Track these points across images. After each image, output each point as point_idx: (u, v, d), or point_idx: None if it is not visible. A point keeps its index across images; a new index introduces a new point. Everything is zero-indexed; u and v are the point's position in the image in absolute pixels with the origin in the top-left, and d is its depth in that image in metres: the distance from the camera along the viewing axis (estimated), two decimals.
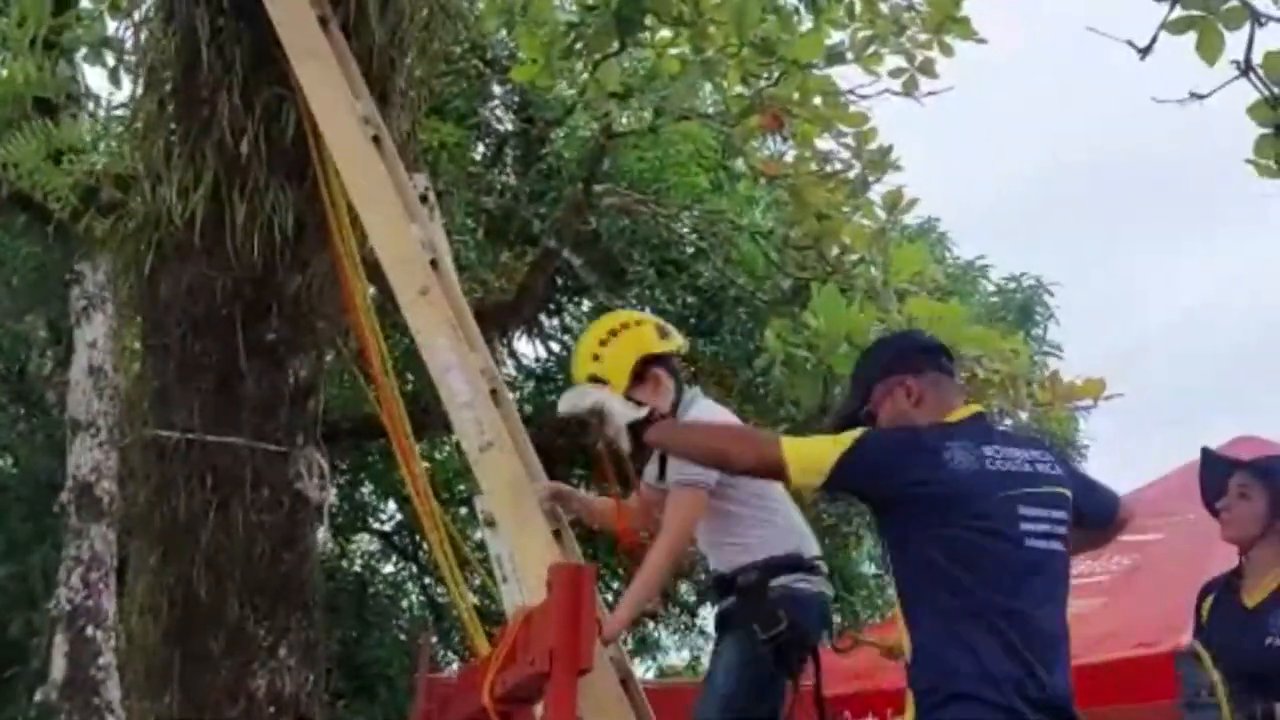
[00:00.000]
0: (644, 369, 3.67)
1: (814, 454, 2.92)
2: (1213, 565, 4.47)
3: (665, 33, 7.08)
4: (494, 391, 3.88)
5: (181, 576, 4.55)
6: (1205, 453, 4.08)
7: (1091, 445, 11.65)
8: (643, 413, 3.40)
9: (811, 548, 3.76)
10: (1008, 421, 7.13)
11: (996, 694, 2.72)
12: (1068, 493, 2.97)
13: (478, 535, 5.87)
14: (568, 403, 3.54)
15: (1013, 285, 12.04)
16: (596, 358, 3.71)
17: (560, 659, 2.86)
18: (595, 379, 3.68)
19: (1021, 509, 2.85)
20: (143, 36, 5.11)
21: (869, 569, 12.61)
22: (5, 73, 6.70)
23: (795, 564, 3.64)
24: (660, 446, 3.37)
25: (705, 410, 3.78)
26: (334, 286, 4.72)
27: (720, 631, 3.81)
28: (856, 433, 2.94)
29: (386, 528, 14.26)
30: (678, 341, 3.85)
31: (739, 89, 7.51)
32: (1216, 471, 3.99)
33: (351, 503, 13.30)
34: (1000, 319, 10.63)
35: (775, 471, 2.98)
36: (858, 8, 6.87)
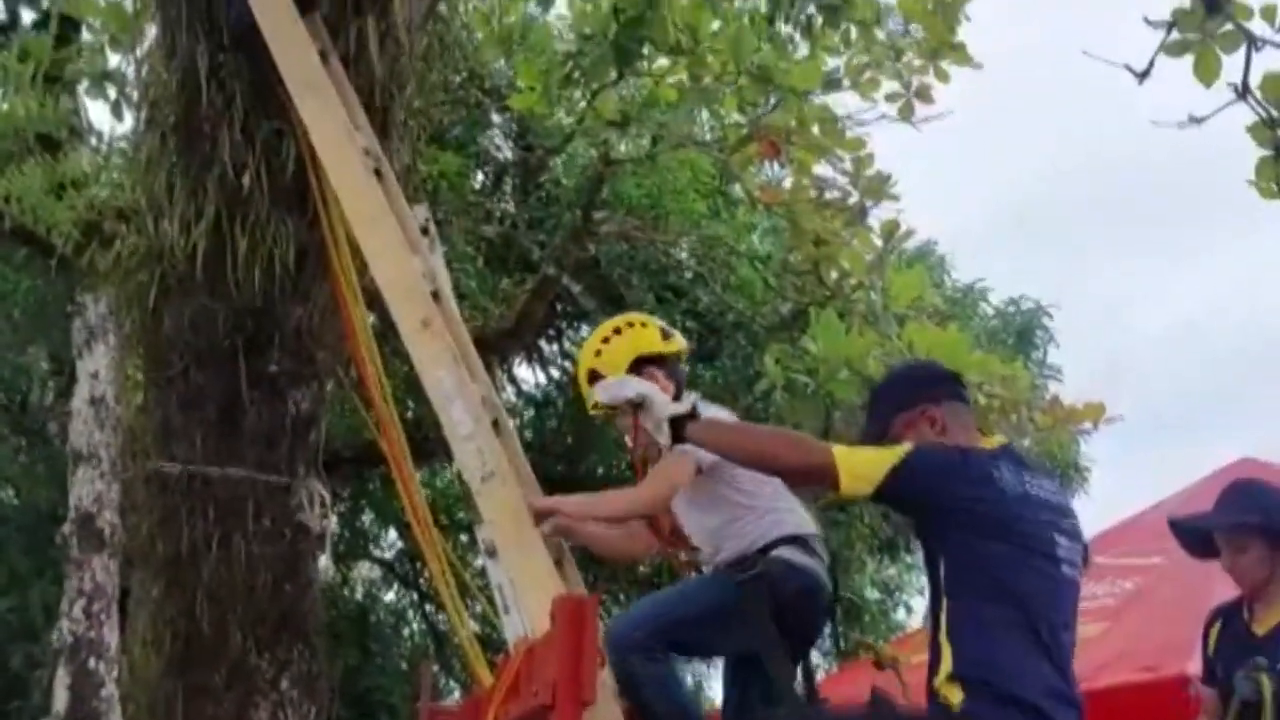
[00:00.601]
0: (640, 368, 3.68)
1: (865, 463, 2.94)
2: (1216, 588, 4.48)
3: (663, 61, 7.12)
4: (495, 422, 3.89)
5: (184, 609, 4.56)
6: (1173, 526, 4.08)
7: (1093, 467, 11.65)
8: (686, 407, 3.30)
9: (808, 528, 3.72)
10: None
11: (1043, 700, 2.80)
12: (1081, 530, 3.07)
13: (479, 563, 5.86)
14: (608, 391, 3.45)
15: (1012, 308, 12.08)
16: (598, 353, 3.77)
17: (563, 691, 2.86)
18: (595, 374, 3.72)
19: (1056, 535, 2.95)
20: (144, 72, 5.14)
21: (873, 594, 12.58)
22: (6, 107, 6.73)
23: (789, 540, 3.62)
24: (704, 442, 3.25)
25: (712, 414, 3.79)
26: (334, 317, 4.73)
27: None
28: (907, 445, 2.99)
29: (388, 555, 14.25)
30: (679, 344, 3.86)
31: (736, 117, 7.56)
32: (1194, 538, 3.99)
33: (352, 530, 13.28)
34: (1000, 342, 10.66)
35: (824, 478, 2.97)
36: (853, 34, 6.91)
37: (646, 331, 3.82)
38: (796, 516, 3.72)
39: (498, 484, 3.60)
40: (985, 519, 2.88)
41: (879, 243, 7.27)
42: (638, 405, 3.34)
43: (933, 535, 2.98)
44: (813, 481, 3.25)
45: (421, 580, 13.25)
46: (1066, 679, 2.88)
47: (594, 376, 3.75)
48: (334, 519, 5.24)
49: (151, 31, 5.10)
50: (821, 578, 3.65)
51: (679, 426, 3.22)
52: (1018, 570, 2.87)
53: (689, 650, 3.82)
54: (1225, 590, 4.13)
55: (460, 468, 3.80)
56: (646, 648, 3.48)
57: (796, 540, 3.63)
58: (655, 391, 3.38)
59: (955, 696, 2.82)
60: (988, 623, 2.85)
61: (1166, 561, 6.13)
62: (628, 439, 3.62)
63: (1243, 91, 4.81)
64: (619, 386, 3.44)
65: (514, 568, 3.58)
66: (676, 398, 3.71)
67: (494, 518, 3.62)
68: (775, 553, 3.58)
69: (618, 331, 3.81)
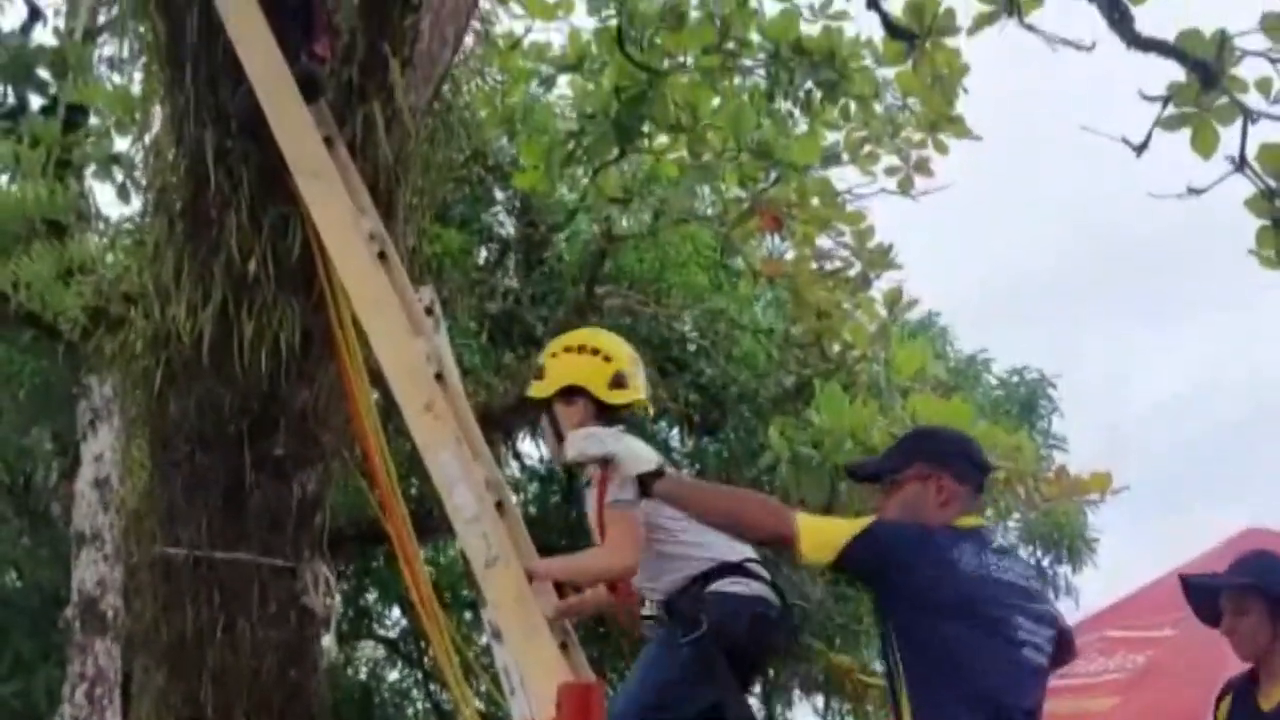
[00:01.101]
0: (571, 396, 3.68)
1: (826, 532, 2.98)
2: (1227, 660, 4.43)
3: (663, 138, 7.22)
4: (499, 503, 3.89)
5: (188, 694, 4.51)
6: (1184, 581, 4.06)
7: (1100, 538, 11.56)
8: (655, 464, 3.34)
9: (745, 551, 3.64)
10: (1015, 516, 7.11)
11: None
12: (1055, 615, 3.07)
13: (483, 640, 5.82)
14: (576, 448, 3.49)
15: (1015, 379, 12.09)
16: (554, 355, 3.78)
17: None
18: (539, 372, 3.78)
19: (1018, 619, 2.95)
20: (151, 157, 5.20)
21: (881, 668, 12.44)
22: (16, 192, 6.82)
23: (724, 569, 3.56)
24: (672, 500, 3.30)
25: None
26: (339, 399, 4.74)
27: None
28: (869, 519, 3.02)
29: (391, 634, 14.12)
30: (631, 397, 3.73)
31: (736, 191, 7.64)
32: (1203, 597, 3.96)
33: (356, 609, 13.18)
34: (1004, 413, 10.65)
35: (785, 543, 3.01)
36: (852, 109, 7.00)
37: (599, 369, 3.71)
38: (722, 544, 3.61)
39: (502, 568, 3.59)
40: (940, 598, 2.89)
41: (883, 312, 7.32)
42: (606, 462, 3.38)
43: (887, 610, 2.99)
44: (774, 546, 3.27)
45: (425, 659, 13.13)
46: None
47: (539, 372, 3.80)
48: (338, 598, 5.21)
49: (159, 117, 5.16)
50: (770, 598, 3.61)
51: (646, 483, 3.28)
52: (973, 651, 2.87)
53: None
54: (1237, 662, 4.09)
55: (465, 550, 3.79)
56: None
57: (736, 568, 3.58)
58: (625, 451, 3.40)
59: None
60: (945, 703, 2.84)
61: (1177, 633, 6.07)
62: (591, 497, 3.60)
63: (1240, 164, 4.87)
64: (589, 444, 3.47)
65: (519, 652, 3.56)
66: None
67: (499, 601, 3.61)
68: (714, 588, 3.53)
69: (581, 349, 3.77)
